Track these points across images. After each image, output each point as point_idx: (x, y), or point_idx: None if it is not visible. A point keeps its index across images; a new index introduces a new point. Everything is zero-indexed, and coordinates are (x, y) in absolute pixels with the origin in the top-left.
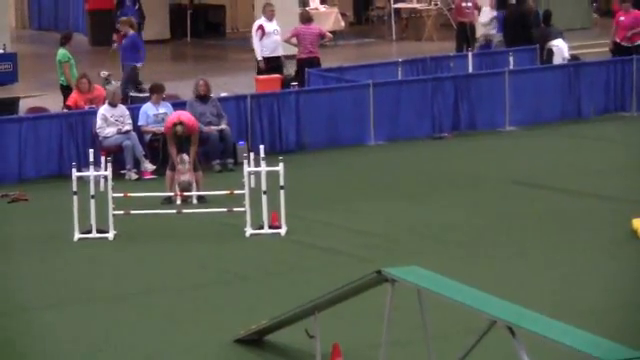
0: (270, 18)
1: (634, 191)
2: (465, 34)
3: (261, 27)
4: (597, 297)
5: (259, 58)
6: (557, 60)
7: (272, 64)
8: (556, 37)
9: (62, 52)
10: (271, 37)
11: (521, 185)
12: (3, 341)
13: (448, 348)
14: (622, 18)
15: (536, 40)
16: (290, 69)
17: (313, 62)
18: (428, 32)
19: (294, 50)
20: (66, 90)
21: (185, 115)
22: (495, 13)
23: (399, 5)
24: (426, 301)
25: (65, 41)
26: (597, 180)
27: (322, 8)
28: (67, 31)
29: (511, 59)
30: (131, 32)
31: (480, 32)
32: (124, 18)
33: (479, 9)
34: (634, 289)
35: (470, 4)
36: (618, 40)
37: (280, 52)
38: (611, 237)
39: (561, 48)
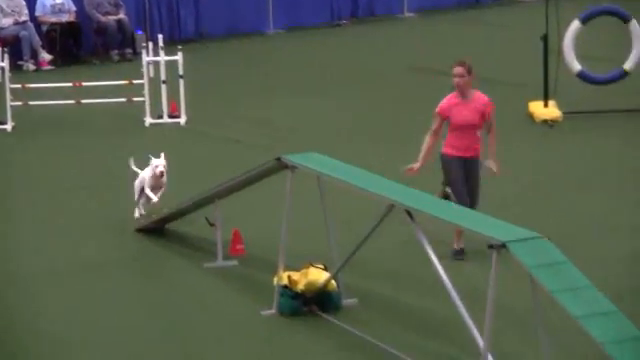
0: None
1: (530, 76)
2: None
3: None
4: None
5: None
6: None
7: None
8: None
9: None
10: None
11: (420, 72)
12: None
13: (349, 233)
14: None
15: None
16: None
17: None
18: None
19: None
20: None
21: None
22: None
23: None
24: (326, 187)
25: None
26: (495, 65)
27: None
28: None
29: None
30: None
31: None
32: None
33: None
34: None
35: None
36: None
37: None
38: (509, 120)
39: None
